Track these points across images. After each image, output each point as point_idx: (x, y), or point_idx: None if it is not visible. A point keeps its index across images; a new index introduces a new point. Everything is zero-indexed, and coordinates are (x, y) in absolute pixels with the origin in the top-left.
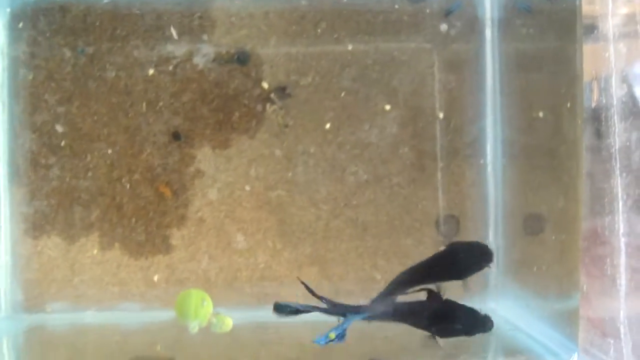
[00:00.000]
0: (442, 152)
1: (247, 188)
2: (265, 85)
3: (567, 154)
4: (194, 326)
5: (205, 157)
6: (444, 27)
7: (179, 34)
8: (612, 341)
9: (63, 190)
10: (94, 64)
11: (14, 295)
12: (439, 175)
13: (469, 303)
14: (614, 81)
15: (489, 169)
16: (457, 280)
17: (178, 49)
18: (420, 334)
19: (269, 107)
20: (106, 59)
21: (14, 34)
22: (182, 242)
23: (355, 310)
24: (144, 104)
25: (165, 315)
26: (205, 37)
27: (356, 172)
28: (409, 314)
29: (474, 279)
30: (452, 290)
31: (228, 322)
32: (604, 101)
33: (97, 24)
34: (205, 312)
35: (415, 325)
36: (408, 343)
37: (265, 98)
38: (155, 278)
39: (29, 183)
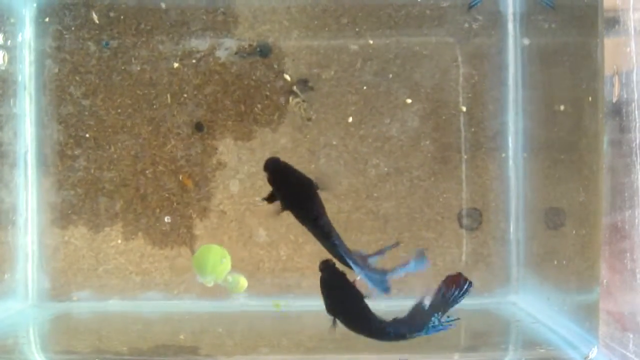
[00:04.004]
0: (465, 146)
1: None
2: (287, 77)
3: (587, 148)
4: (209, 280)
5: (227, 148)
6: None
7: (203, 29)
8: (631, 335)
9: (89, 181)
10: (119, 58)
11: (40, 284)
12: (462, 168)
13: (492, 296)
14: (635, 76)
15: (511, 162)
16: None
17: (202, 44)
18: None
19: (292, 100)
20: (131, 53)
21: (41, 28)
22: (205, 232)
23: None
24: (169, 96)
25: (188, 304)
26: (228, 31)
27: (377, 164)
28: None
29: (495, 272)
30: None
31: (243, 282)
32: (625, 96)
33: (122, 18)
34: (223, 269)
35: None
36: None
37: (288, 91)
38: (182, 267)
39: (56, 173)
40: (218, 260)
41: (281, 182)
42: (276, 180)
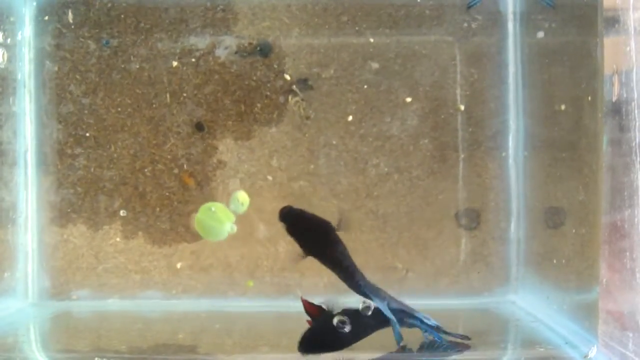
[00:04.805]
0: (463, 145)
1: (269, 178)
2: (287, 77)
3: (587, 147)
4: (228, 229)
5: (227, 148)
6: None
7: (202, 27)
8: (631, 334)
9: (88, 180)
10: (118, 56)
11: (40, 282)
12: (460, 167)
13: (491, 295)
14: (635, 75)
15: (511, 161)
16: None
17: (201, 41)
18: None
19: (291, 99)
20: (130, 51)
21: (40, 27)
22: None
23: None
24: (168, 95)
25: (187, 303)
26: (227, 29)
27: (377, 164)
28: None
29: (495, 272)
30: None
31: (241, 197)
32: (624, 95)
33: (122, 16)
34: (222, 213)
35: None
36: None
37: (287, 90)
38: (179, 265)
39: (56, 172)
40: (210, 215)
41: (299, 231)
42: (294, 230)
